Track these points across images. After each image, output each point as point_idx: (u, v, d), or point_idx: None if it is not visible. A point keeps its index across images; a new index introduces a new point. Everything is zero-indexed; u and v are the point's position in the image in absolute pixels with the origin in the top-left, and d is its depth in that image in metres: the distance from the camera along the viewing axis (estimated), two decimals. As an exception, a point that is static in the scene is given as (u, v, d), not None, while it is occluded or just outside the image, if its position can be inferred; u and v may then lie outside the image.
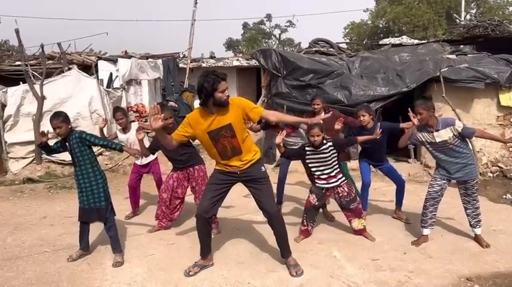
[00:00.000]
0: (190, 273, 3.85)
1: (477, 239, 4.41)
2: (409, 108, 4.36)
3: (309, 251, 4.30)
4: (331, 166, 4.47)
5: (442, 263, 3.98)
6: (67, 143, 4.10)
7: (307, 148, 4.50)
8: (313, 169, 4.53)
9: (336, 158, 4.48)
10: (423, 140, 4.32)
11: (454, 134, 4.14)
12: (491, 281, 3.65)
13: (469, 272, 3.80)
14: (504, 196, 6.43)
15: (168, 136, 3.72)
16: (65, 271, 4.00)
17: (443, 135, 4.17)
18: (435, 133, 4.20)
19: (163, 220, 5.04)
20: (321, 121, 4.21)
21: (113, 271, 3.98)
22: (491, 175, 7.76)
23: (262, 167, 3.88)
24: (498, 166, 7.91)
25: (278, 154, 8.59)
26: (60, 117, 4.04)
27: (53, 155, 6.16)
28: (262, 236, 4.72)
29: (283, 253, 3.95)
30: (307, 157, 4.50)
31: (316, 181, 4.57)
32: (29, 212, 6.11)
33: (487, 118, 8.06)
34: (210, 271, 3.92)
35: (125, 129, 5.47)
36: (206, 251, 3.99)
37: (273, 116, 3.97)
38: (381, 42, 12.25)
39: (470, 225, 4.43)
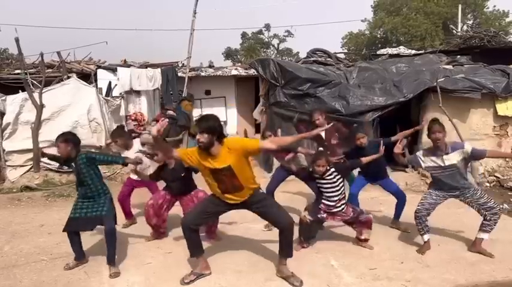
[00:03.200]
0: (186, 281, 3.85)
1: (475, 243, 4.42)
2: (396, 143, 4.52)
3: (306, 260, 4.30)
4: (339, 189, 4.48)
5: (439, 273, 3.99)
6: (73, 164, 4.12)
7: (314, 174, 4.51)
8: (322, 192, 4.52)
9: (342, 183, 4.51)
10: (428, 164, 4.33)
11: (463, 157, 4.17)
12: (487, 290, 3.66)
13: (466, 282, 3.81)
14: (501, 206, 6.43)
15: (168, 146, 3.76)
16: (61, 280, 3.99)
17: (453, 158, 4.19)
18: (445, 157, 4.21)
19: (158, 232, 5.03)
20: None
21: (109, 279, 3.97)
22: (488, 184, 7.79)
23: (260, 190, 3.94)
24: (495, 176, 7.94)
25: (275, 163, 8.62)
26: (60, 137, 4.08)
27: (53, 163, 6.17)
28: (260, 245, 4.72)
29: (285, 254, 3.92)
30: (317, 181, 4.52)
31: (324, 201, 4.52)
32: (26, 220, 6.09)
33: (483, 128, 8.11)
34: (207, 279, 3.92)
35: (128, 147, 5.42)
36: (196, 251, 3.98)
37: (272, 144, 3.89)
38: (378, 53, 12.35)
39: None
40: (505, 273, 3.97)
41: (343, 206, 4.49)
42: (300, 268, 4.01)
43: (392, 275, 3.96)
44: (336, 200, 4.46)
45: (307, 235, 4.63)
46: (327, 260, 4.31)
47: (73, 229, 4.20)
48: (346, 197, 5.21)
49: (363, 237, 4.61)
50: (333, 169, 4.43)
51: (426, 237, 4.49)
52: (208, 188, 4.06)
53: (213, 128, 3.56)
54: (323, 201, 4.51)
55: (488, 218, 4.31)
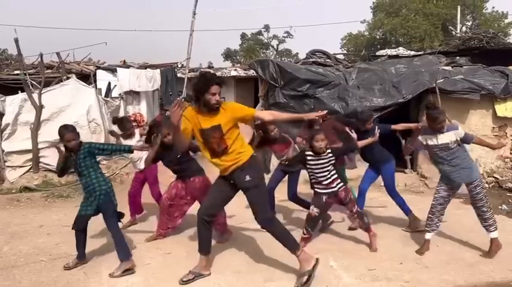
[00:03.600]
0: (184, 280, 3.84)
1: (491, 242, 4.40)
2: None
3: (305, 260, 4.30)
4: (329, 172, 4.45)
5: (438, 273, 3.99)
6: (73, 156, 4.12)
7: (307, 153, 4.45)
8: (312, 175, 4.51)
9: (333, 165, 4.48)
10: (427, 143, 4.40)
11: (456, 139, 4.25)
12: (486, 291, 3.67)
13: (464, 282, 3.81)
14: (500, 207, 6.46)
15: (181, 133, 3.75)
16: (61, 280, 3.99)
17: (445, 138, 4.26)
18: (439, 135, 4.28)
19: (163, 228, 5.05)
20: (316, 118, 4.18)
21: (109, 280, 3.97)
22: (487, 185, 7.78)
23: (247, 177, 3.79)
24: (494, 177, 7.95)
25: (272, 165, 8.62)
26: (70, 130, 4.09)
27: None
28: (259, 245, 4.72)
29: (291, 249, 3.89)
30: (307, 163, 4.48)
31: (315, 186, 4.53)
32: (25, 221, 6.09)
33: (482, 129, 8.12)
34: (206, 279, 3.92)
35: (129, 136, 5.53)
36: (204, 247, 3.97)
37: (268, 115, 3.91)
38: (377, 54, 12.38)
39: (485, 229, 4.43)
40: (503, 274, 3.97)
41: (336, 186, 4.46)
42: (300, 268, 4.00)
43: (391, 275, 3.96)
44: (328, 182, 4.43)
45: (313, 225, 4.63)
46: (326, 261, 4.30)
47: (81, 227, 4.21)
48: (350, 191, 5.24)
49: (353, 225, 4.67)
50: (329, 150, 4.40)
51: (428, 236, 4.50)
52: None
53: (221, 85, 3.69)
54: (317, 189, 4.49)
55: (481, 219, 4.36)
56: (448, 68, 8.71)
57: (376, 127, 4.92)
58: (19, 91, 8.58)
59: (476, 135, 7.78)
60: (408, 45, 23.08)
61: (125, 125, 5.59)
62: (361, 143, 4.71)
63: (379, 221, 5.61)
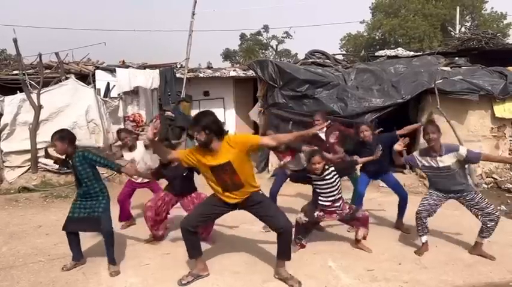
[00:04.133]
0: (183, 282, 3.85)
1: (475, 246, 4.43)
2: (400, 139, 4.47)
3: (304, 261, 4.31)
4: (337, 189, 4.47)
5: (437, 274, 4.00)
6: (70, 162, 4.11)
7: (312, 175, 4.47)
8: (319, 193, 4.50)
9: (340, 182, 4.49)
10: (424, 164, 4.34)
11: (458, 160, 4.18)
12: (485, 292, 3.68)
13: (463, 283, 3.82)
14: (498, 207, 6.46)
15: (166, 149, 3.76)
16: (59, 281, 3.99)
17: (447, 160, 4.20)
18: (438, 158, 4.22)
19: (158, 229, 5.02)
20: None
21: (107, 280, 3.97)
22: (485, 186, 7.81)
23: (260, 191, 3.90)
24: (492, 177, 7.96)
25: (271, 165, 8.64)
26: (55, 135, 4.05)
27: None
28: (258, 246, 4.72)
29: (283, 257, 3.90)
30: (313, 182, 4.50)
31: (320, 201, 4.52)
32: (24, 221, 6.08)
33: (481, 130, 8.14)
34: (205, 281, 3.92)
35: (131, 148, 5.45)
36: (194, 253, 3.97)
37: (272, 140, 3.84)
38: (376, 54, 12.36)
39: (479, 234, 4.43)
40: (502, 274, 3.98)
41: (339, 204, 4.49)
42: (298, 269, 4.01)
43: (390, 276, 3.97)
44: (333, 200, 4.46)
45: (304, 234, 4.64)
46: (324, 262, 4.31)
47: (71, 230, 4.20)
48: (351, 195, 5.24)
49: (359, 237, 4.59)
50: (332, 168, 4.42)
51: (424, 238, 4.50)
52: (208, 191, 4.05)
53: (209, 125, 3.54)
54: (319, 201, 4.50)
55: (487, 225, 4.29)
56: (447, 68, 8.72)
57: (379, 144, 4.81)
58: (18, 91, 8.56)
59: (475, 136, 7.88)
60: (407, 45, 23.12)
61: (118, 135, 5.53)
62: (361, 161, 4.76)
63: (378, 221, 5.61)
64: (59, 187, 8.05)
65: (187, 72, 12.02)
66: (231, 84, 13.23)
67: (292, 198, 6.78)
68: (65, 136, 4.06)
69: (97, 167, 4.16)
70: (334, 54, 11.11)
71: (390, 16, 30.48)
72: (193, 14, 12.63)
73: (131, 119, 10.10)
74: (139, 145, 5.49)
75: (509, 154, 8.27)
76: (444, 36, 23.25)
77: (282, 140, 3.98)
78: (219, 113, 12.32)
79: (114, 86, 9.97)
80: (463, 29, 21.05)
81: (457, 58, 9.63)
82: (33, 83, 8.77)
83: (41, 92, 8.40)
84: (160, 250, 4.72)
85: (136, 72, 10.46)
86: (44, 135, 8.00)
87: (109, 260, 4.17)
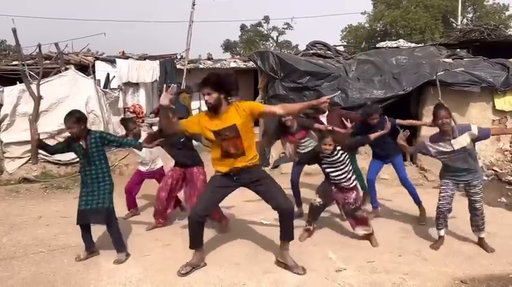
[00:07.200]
0: (182, 272, 3.85)
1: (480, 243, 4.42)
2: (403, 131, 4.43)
3: (304, 253, 4.30)
4: (346, 168, 4.45)
5: (437, 266, 4.00)
6: (81, 143, 4.08)
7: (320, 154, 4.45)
8: (328, 171, 4.49)
9: (347, 156, 4.48)
10: (438, 149, 4.23)
11: (471, 139, 4.13)
12: (485, 284, 3.67)
13: (463, 275, 3.82)
14: (499, 199, 6.46)
15: (173, 119, 3.73)
16: (60, 271, 3.99)
17: (462, 141, 4.11)
18: (453, 141, 4.13)
19: (160, 218, 5.10)
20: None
21: (108, 271, 3.98)
22: (486, 178, 7.79)
23: (262, 167, 3.89)
24: (493, 170, 7.95)
25: (271, 156, 8.61)
26: (72, 118, 4.02)
27: (53, 155, 6.13)
28: (258, 237, 4.73)
29: (285, 236, 3.91)
30: (322, 161, 4.48)
31: (331, 176, 4.49)
32: (24, 212, 6.09)
33: (482, 122, 8.09)
34: (206, 271, 3.92)
35: (136, 136, 5.44)
36: (196, 244, 3.97)
37: (280, 108, 3.77)
38: (378, 46, 12.28)
39: (472, 230, 4.45)
40: (502, 267, 3.98)
41: (350, 176, 4.47)
42: (298, 261, 4.00)
43: (390, 268, 3.97)
44: (343, 178, 4.44)
45: (315, 217, 4.67)
46: (325, 253, 4.31)
47: (84, 222, 4.18)
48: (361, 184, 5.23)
49: (359, 234, 4.58)
50: (339, 148, 4.39)
51: (442, 232, 4.46)
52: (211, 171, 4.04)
53: (220, 84, 3.46)
54: (331, 177, 4.48)
55: (472, 219, 4.35)
56: (449, 60, 8.66)
57: (386, 119, 4.86)
58: (17, 82, 8.53)
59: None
60: (409, 37, 22.97)
61: (127, 125, 5.54)
62: (373, 136, 4.69)
63: (379, 213, 5.60)
64: (59, 177, 8.05)
65: (188, 63, 11.98)
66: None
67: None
68: (80, 117, 4.07)
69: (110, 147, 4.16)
70: (335, 46, 11.07)
71: (392, 7, 30.31)
72: (194, 5, 12.56)
73: (131, 110, 10.09)
74: (143, 134, 5.50)
75: (510, 146, 8.26)
76: (446, 28, 23.12)
77: (290, 109, 3.97)
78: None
79: (114, 77, 9.94)
80: (464, 21, 20.92)
81: (458, 50, 9.56)
82: (32, 73, 8.75)
83: (41, 82, 8.37)
84: (160, 241, 4.72)
85: (136, 63, 10.42)
86: (44, 126, 7.98)
87: (117, 250, 4.22)
